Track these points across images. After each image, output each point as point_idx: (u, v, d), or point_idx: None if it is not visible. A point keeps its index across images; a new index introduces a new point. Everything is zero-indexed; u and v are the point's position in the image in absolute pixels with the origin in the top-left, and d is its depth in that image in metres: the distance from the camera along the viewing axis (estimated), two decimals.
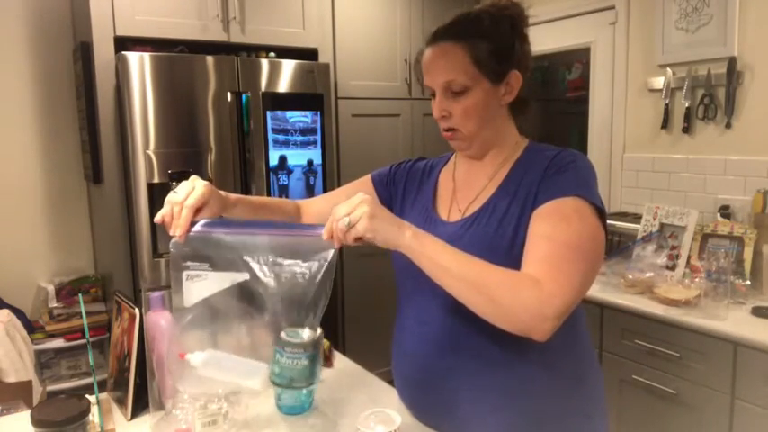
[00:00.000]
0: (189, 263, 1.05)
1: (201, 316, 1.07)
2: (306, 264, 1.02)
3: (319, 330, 1.09)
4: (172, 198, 1.04)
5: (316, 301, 1.04)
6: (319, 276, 1.01)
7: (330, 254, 1.00)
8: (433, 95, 1.12)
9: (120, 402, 1.29)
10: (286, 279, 1.03)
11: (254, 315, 1.07)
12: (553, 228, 0.98)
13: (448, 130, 1.14)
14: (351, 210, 0.93)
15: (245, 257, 1.03)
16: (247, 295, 1.05)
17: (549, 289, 0.91)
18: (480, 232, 1.07)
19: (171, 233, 1.03)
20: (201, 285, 1.06)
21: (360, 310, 3.24)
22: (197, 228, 1.04)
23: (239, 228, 1.06)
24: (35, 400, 1.90)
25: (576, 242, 0.96)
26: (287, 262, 1.03)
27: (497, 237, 1.04)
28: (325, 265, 1.01)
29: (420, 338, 1.14)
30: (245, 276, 1.03)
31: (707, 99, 2.40)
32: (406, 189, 1.29)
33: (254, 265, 1.04)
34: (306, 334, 1.07)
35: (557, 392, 1.08)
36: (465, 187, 1.18)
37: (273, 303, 1.05)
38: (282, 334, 1.06)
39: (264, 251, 1.03)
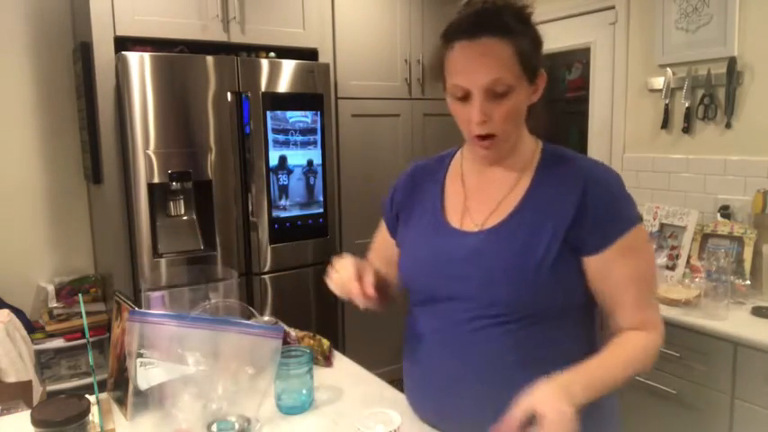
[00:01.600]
0: (142, 350, 1.11)
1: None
2: (247, 363, 1.10)
3: (251, 422, 1.14)
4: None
5: (254, 393, 1.11)
6: (259, 377, 1.10)
7: (273, 354, 1.08)
8: (460, 98, 1.01)
9: (120, 402, 1.28)
10: (227, 376, 1.10)
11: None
12: (634, 268, 1.02)
13: (484, 136, 1.01)
14: None
15: (191, 352, 1.09)
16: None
17: (658, 330, 1.06)
18: (506, 248, 1.03)
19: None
20: (152, 373, 1.15)
21: (360, 310, 3.24)
22: (151, 318, 1.09)
23: (190, 322, 1.09)
24: (35, 400, 1.90)
25: (650, 271, 1.07)
26: (232, 360, 1.10)
27: (525, 255, 1.01)
28: (269, 366, 1.09)
29: (439, 346, 1.10)
30: (191, 369, 1.09)
31: (707, 99, 2.40)
32: (407, 202, 1.22)
33: (197, 360, 1.09)
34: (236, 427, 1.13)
35: None
36: (478, 194, 1.11)
37: (214, 392, 1.11)
38: (213, 428, 1.10)
39: (211, 347, 1.09)
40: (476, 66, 0.97)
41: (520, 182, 1.07)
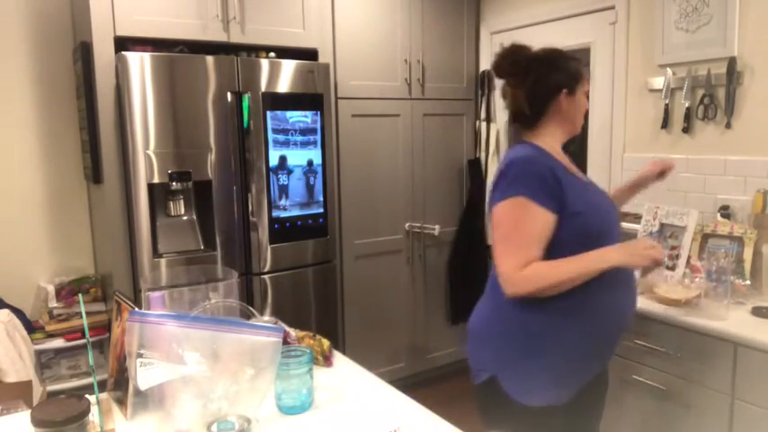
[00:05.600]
0: (142, 350, 1.12)
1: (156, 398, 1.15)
2: (247, 363, 1.10)
3: (251, 422, 1.14)
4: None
5: (254, 393, 1.12)
6: (259, 377, 1.10)
7: (273, 354, 1.09)
8: (585, 94, 1.60)
9: (120, 402, 1.29)
10: (227, 376, 1.10)
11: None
12: None
13: None
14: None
15: (191, 352, 1.09)
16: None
17: None
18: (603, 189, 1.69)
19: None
20: (152, 373, 1.15)
21: (360, 310, 3.25)
22: (151, 318, 1.09)
23: (190, 322, 1.10)
24: (35, 400, 1.90)
25: None
26: (232, 360, 1.10)
27: None
28: (269, 366, 1.10)
29: (629, 290, 1.56)
30: (191, 370, 1.09)
31: (707, 99, 2.40)
32: (560, 183, 1.47)
33: (197, 360, 1.10)
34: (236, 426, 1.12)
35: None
36: (571, 165, 1.60)
37: (214, 393, 1.11)
38: (213, 428, 1.10)
39: (210, 347, 1.09)
40: None
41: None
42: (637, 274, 1.71)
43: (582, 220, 1.46)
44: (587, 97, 1.58)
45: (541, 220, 1.44)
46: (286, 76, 2.72)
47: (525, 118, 1.57)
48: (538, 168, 1.45)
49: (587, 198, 1.50)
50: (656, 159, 2.61)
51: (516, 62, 1.55)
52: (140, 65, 2.38)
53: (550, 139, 1.56)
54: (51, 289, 2.82)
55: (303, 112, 2.78)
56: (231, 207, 2.64)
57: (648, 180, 1.95)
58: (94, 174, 2.60)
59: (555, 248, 1.45)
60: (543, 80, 1.53)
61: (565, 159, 1.56)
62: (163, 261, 2.50)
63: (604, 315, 1.50)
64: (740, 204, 2.28)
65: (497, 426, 1.55)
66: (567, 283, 1.42)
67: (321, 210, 2.89)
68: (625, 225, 2.50)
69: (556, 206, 1.44)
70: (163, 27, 2.51)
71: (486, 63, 3.51)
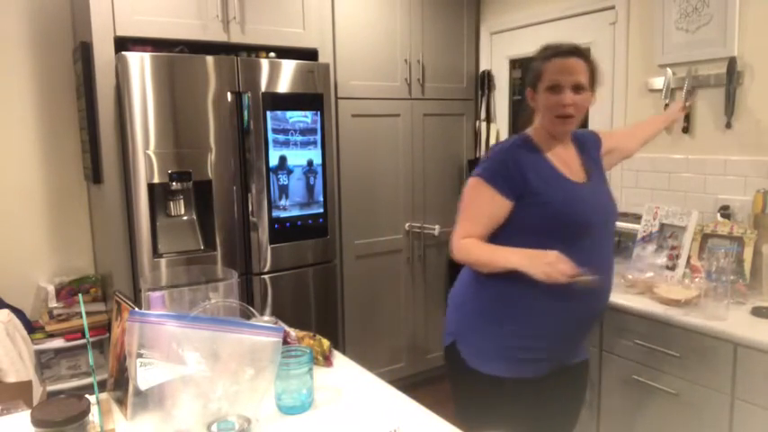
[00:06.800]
0: (142, 350, 1.13)
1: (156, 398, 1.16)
2: (247, 363, 1.11)
3: (251, 422, 1.14)
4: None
5: (254, 393, 1.12)
6: (259, 377, 1.11)
7: (273, 354, 1.10)
8: (553, 91, 1.57)
9: (120, 402, 1.29)
10: (227, 376, 1.10)
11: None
12: None
13: (567, 116, 1.58)
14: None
15: (191, 352, 1.09)
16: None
17: None
18: (607, 193, 1.71)
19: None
20: (152, 373, 1.16)
21: (360, 310, 3.25)
22: (151, 318, 1.10)
23: (190, 322, 1.10)
24: (35, 400, 1.90)
25: None
26: (232, 360, 1.11)
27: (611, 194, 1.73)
28: (269, 366, 1.11)
29: (601, 272, 1.54)
30: (191, 370, 1.09)
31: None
32: (526, 173, 1.57)
33: (197, 360, 1.10)
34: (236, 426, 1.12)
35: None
36: (568, 162, 1.66)
37: (214, 393, 1.11)
38: (213, 428, 1.10)
39: (210, 347, 1.10)
40: (574, 70, 1.57)
41: (574, 153, 1.70)
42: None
43: (552, 209, 1.55)
44: (557, 92, 1.57)
45: (492, 203, 1.57)
46: (286, 76, 2.72)
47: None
48: (502, 156, 1.60)
49: (565, 191, 1.58)
50: (657, 157, 2.62)
51: None
52: (140, 65, 2.38)
53: (539, 131, 1.66)
54: (51, 289, 2.82)
55: (303, 112, 2.78)
56: (231, 207, 2.64)
57: (676, 114, 2.38)
58: (94, 174, 2.60)
59: (527, 231, 1.56)
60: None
61: (559, 152, 1.65)
62: (163, 261, 2.50)
63: (559, 306, 1.56)
64: (740, 204, 2.28)
65: (458, 391, 1.72)
66: (480, 265, 1.59)
67: (321, 210, 2.89)
68: (625, 225, 2.51)
69: (512, 193, 1.55)
70: (163, 27, 2.51)
71: (486, 63, 3.51)
